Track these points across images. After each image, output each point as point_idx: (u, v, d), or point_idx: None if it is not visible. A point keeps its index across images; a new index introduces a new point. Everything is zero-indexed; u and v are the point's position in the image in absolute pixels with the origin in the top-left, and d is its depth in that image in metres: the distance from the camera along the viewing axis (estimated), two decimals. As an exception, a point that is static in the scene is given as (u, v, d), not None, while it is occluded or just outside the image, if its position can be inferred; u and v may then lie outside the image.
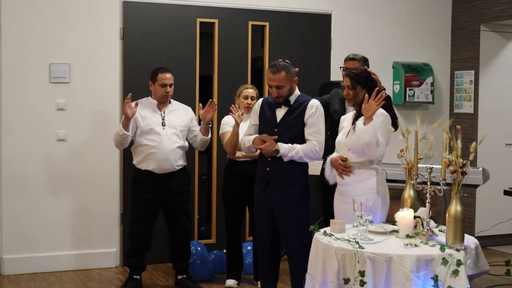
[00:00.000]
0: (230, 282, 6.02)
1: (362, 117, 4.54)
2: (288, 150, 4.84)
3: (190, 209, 6.02)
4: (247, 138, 5.07)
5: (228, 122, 5.88)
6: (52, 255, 6.46)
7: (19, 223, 6.34)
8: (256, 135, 4.99)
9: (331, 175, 4.75)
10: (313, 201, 5.11)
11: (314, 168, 5.24)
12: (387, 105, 4.81)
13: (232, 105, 5.71)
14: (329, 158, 4.74)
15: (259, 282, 5.99)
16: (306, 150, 4.86)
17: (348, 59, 5.43)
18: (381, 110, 4.53)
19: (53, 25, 6.40)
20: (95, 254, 6.60)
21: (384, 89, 4.95)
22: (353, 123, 4.62)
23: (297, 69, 5.01)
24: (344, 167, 4.60)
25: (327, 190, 5.18)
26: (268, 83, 4.91)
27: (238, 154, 5.80)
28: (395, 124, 4.63)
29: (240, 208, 6.00)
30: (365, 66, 4.95)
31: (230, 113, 5.73)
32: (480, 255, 3.85)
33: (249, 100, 5.83)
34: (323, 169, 4.98)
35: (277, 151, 4.83)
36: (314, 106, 4.90)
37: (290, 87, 4.90)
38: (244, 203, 5.97)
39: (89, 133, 6.54)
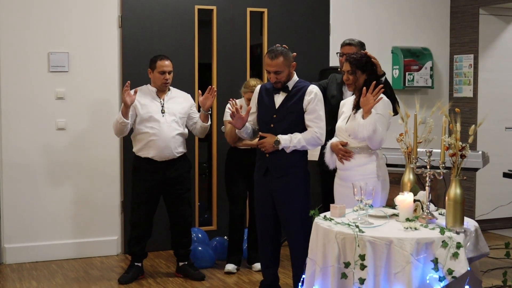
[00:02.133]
0: (229, 267, 6.04)
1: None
2: (289, 141, 4.84)
3: (190, 196, 6.03)
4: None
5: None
6: (54, 244, 6.47)
7: (20, 212, 6.36)
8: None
9: (331, 160, 4.75)
10: (312, 187, 5.11)
11: (312, 154, 5.25)
12: (388, 89, 4.80)
13: (230, 99, 5.70)
14: (329, 143, 4.75)
15: (253, 265, 6.03)
16: (307, 137, 4.86)
17: (344, 45, 5.42)
18: (380, 95, 4.52)
19: (51, 14, 6.38)
20: (97, 242, 6.62)
21: (384, 73, 4.95)
22: (354, 108, 4.63)
23: (295, 53, 5.00)
24: (344, 152, 4.60)
25: (325, 176, 5.20)
26: (266, 69, 4.90)
27: (239, 143, 5.85)
28: (395, 109, 4.63)
29: (242, 194, 6.04)
30: (364, 51, 4.94)
31: (228, 108, 5.74)
32: (480, 237, 3.86)
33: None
34: (321, 155, 4.98)
35: (278, 142, 4.83)
36: (313, 92, 4.90)
37: (288, 72, 4.90)
38: (245, 189, 6.01)
39: (89, 121, 6.55)
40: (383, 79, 4.86)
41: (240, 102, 5.70)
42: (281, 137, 4.84)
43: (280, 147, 4.84)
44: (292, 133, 4.87)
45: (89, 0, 6.51)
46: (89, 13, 6.52)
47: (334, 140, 4.72)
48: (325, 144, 4.82)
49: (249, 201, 6.09)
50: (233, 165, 6.00)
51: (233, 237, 6.10)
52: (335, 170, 4.78)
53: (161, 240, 6.56)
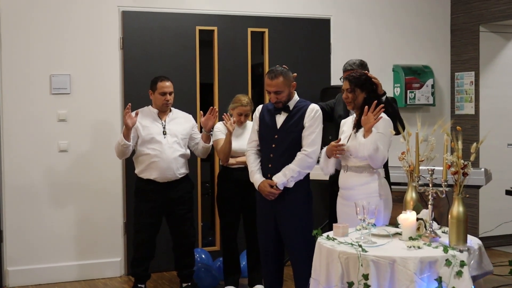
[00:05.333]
0: (229, 288, 6.01)
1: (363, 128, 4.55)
2: (285, 176, 4.84)
3: (193, 216, 6.02)
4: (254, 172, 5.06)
5: (220, 129, 5.85)
6: (57, 266, 6.46)
7: (22, 235, 6.35)
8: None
9: (325, 165, 4.76)
10: (316, 206, 5.10)
11: (317, 173, 5.23)
12: (389, 108, 4.80)
13: (224, 113, 5.71)
14: (324, 149, 4.75)
15: (254, 287, 5.97)
16: (300, 164, 4.85)
17: (346, 70, 5.42)
18: (381, 115, 4.52)
19: (53, 36, 6.41)
20: (100, 264, 6.60)
21: (385, 92, 4.95)
22: (354, 127, 4.63)
23: (295, 74, 5.01)
24: (336, 147, 4.60)
25: (335, 196, 5.18)
26: (267, 89, 4.92)
27: (232, 161, 5.80)
28: (396, 128, 4.59)
29: (235, 215, 5.95)
30: (365, 71, 4.95)
31: (223, 121, 5.74)
32: (483, 255, 3.85)
33: (242, 118, 5.83)
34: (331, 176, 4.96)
35: (276, 185, 4.87)
36: (314, 111, 4.91)
37: (289, 92, 4.91)
38: (238, 210, 5.94)
39: (91, 143, 6.55)
40: (383, 98, 4.86)
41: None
42: (274, 178, 4.87)
43: (279, 186, 4.85)
44: (293, 151, 4.87)
45: (91, 22, 6.55)
46: (91, 35, 6.55)
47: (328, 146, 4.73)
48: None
49: (244, 221, 6.02)
50: (226, 185, 5.89)
51: (228, 258, 6.04)
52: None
53: (164, 261, 6.54)
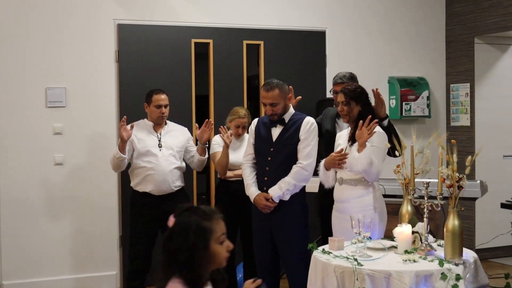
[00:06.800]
0: (224, 302, 5.96)
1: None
2: (281, 189, 4.85)
3: (189, 229, 5.98)
4: (251, 188, 5.07)
5: (218, 142, 5.84)
6: (52, 280, 6.43)
7: (18, 248, 6.33)
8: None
9: (325, 177, 4.75)
10: (312, 219, 5.09)
11: (311, 186, 5.23)
12: (393, 130, 4.82)
13: (221, 126, 5.70)
14: (322, 162, 4.75)
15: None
16: (296, 177, 4.86)
17: (335, 83, 5.41)
18: (376, 128, 4.52)
19: (48, 49, 6.42)
20: (95, 277, 6.58)
21: (387, 115, 4.93)
22: (349, 140, 4.64)
23: (291, 86, 5.03)
24: (339, 157, 4.59)
25: (324, 208, 5.18)
26: (262, 101, 4.93)
27: (229, 173, 5.78)
28: (397, 147, 4.56)
29: (232, 228, 5.91)
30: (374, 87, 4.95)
31: (220, 134, 5.73)
32: (479, 268, 3.85)
33: (240, 130, 5.82)
34: (321, 186, 4.97)
35: (272, 198, 4.87)
36: (309, 123, 4.91)
37: (284, 104, 4.92)
38: (235, 223, 5.91)
39: (87, 156, 6.54)
40: (385, 122, 4.86)
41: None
42: (270, 192, 4.87)
43: (275, 199, 4.85)
44: (288, 164, 4.87)
45: (86, 35, 6.55)
46: (86, 48, 6.55)
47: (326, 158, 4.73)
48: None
49: (241, 234, 5.99)
50: (224, 198, 5.86)
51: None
52: (333, 202, 4.76)
53: (160, 274, 6.50)
